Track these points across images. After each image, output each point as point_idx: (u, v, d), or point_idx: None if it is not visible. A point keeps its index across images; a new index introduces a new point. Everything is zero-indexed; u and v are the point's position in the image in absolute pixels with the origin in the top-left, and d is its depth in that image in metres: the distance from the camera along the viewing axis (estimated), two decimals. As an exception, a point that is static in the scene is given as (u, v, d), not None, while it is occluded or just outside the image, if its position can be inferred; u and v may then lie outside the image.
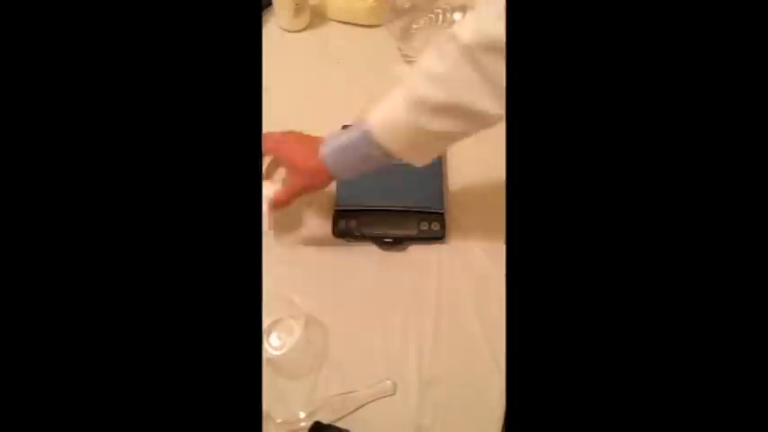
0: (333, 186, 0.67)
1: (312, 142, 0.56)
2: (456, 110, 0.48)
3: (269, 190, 0.59)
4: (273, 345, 0.56)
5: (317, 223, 0.67)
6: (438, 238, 0.65)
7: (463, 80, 0.46)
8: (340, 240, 0.65)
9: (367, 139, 0.51)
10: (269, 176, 0.62)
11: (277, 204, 0.58)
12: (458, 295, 0.61)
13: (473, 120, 0.49)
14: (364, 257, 0.64)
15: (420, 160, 0.55)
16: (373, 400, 0.54)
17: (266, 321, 0.57)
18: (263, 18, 0.92)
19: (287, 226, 0.67)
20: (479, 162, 0.72)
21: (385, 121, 0.51)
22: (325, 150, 0.54)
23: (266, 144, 0.58)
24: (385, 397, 0.54)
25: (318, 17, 0.93)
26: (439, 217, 0.65)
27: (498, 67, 0.43)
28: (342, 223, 0.65)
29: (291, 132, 0.59)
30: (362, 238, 0.65)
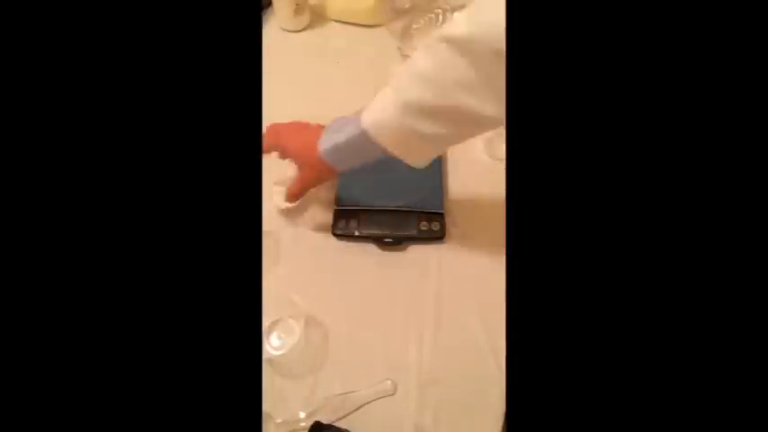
0: (333, 186, 0.68)
1: (312, 135, 0.56)
2: (448, 113, 0.45)
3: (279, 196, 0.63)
4: (273, 345, 0.56)
5: (317, 223, 0.67)
6: (438, 238, 0.65)
7: (455, 79, 0.43)
8: (340, 240, 0.65)
9: (363, 137, 0.51)
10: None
11: (290, 197, 0.61)
12: (458, 295, 0.61)
13: (468, 123, 0.47)
14: (364, 257, 0.64)
15: (418, 161, 0.54)
16: (373, 400, 0.54)
17: (266, 321, 0.57)
18: (263, 18, 0.92)
19: (287, 226, 0.67)
20: (479, 162, 0.73)
21: (377, 122, 0.50)
22: (322, 147, 0.54)
23: (269, 138, 0.59)
24: (385, 397, 0.54)
25: (318, 17, 0.93)
26: (439, 217, 0.65)
27: (496, 66, 0.39)
28: (342, 223, 0.65)
29: (292, 123, 0.60)
30: (362, 238, 0.65)
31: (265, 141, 0.60)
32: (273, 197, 0.66)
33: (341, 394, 0.54)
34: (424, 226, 0.64)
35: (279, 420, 0.52)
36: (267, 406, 0.53)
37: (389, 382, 0.55)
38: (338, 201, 0.67)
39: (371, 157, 0.54)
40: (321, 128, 0.57)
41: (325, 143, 0.54)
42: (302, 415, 0.52)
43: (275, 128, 0.60)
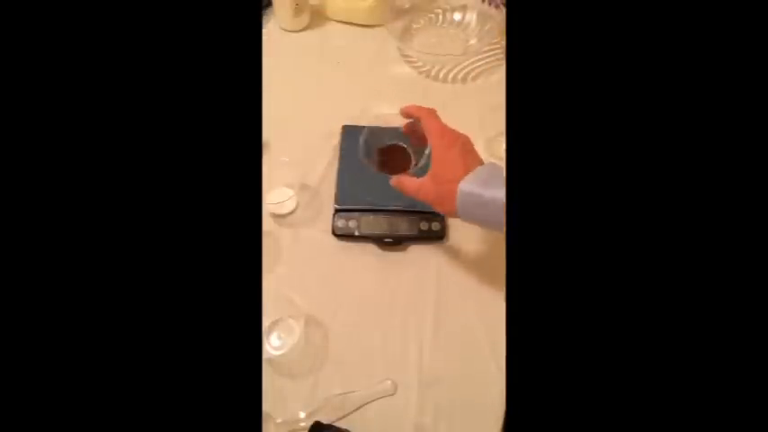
0: (333, 186, 0.68)
1: (470, 162, 0.50)
2: None
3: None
4: (273, 345, 0.56)
5: (317, 223, 0.67)
6: (438, 237, 0.65)
7: None
8: (340, 240, 0.65)
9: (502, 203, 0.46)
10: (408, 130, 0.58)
11: (400, 184, 0.55)
12: (458, 295, 0.61)
13: None
14: (364, 257, 0.64)
15: None
16: (373, 400, 0.54)
17: (266, 321, 0.57)
18: (263, 18, 0.92)
19: (287, 226, 0.67)
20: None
21: None
22: (463, 182, 0.48)
23: (436, 124, 0.52)
24: (385, 397, 0.54)
25: (318, 17, 0.93)
26: (439, 217, 0.65)
27: None
28: (342, 223, 0.65)
29: (463, 137, 0.53)
30: (362, 238, 0.65)
31: (425, 113, 0.53)
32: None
33: (341, 394, 0.54)
34: (424, 226, 0.64)
35: (279, 420, 0.52)
36: (267, 406, 0.53)
37: (389, 382, 0.55)
38: (338, 201, 0.67)
39: (492, 225, 0.49)
40: (478, 162, 0.51)
41: (468, 183, 0.48)
42: (302, 415, 0.52)
43: (441, 124, 0.53)
